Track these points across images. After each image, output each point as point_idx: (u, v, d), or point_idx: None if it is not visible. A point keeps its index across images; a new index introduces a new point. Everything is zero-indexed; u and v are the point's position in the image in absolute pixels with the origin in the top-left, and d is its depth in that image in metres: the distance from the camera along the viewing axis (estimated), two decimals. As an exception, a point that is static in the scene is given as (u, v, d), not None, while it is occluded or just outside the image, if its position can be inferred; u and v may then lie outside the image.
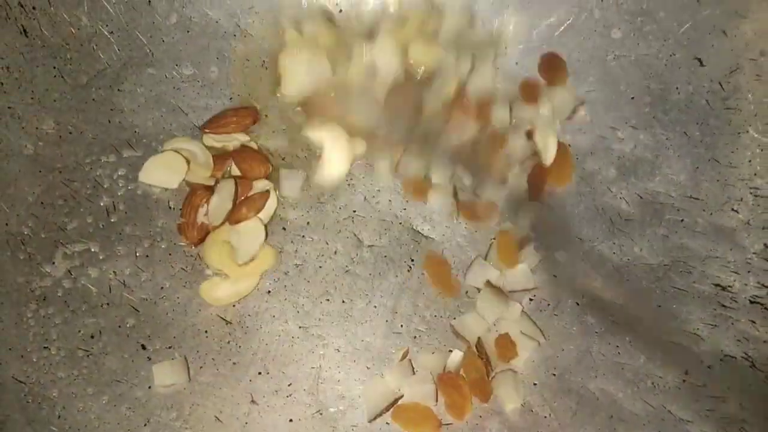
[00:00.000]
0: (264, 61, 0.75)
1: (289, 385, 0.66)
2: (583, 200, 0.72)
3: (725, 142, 0.69)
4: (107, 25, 0.71)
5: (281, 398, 0.65)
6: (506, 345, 0.66)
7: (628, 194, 0.71)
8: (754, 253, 0.67)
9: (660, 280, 0.68)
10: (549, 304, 0.69)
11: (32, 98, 0.69)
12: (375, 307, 0.68)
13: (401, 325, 0.68)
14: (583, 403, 0.65)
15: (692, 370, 0.65)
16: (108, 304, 0.66)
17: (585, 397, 0.65)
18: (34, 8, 0.69)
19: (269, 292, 0.69)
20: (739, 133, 0.69)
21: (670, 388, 0.65)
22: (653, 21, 0.71)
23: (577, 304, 0.69)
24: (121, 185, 0.70)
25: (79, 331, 0.65)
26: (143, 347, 0.65)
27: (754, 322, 0.65)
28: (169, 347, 0.65)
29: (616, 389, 0.66)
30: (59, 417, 0.61)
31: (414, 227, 0.71)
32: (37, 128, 0.69)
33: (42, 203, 0.68)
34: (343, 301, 0.69)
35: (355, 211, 0.71)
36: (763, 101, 0.68)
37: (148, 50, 0.73)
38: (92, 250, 0.68)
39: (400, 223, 0.71)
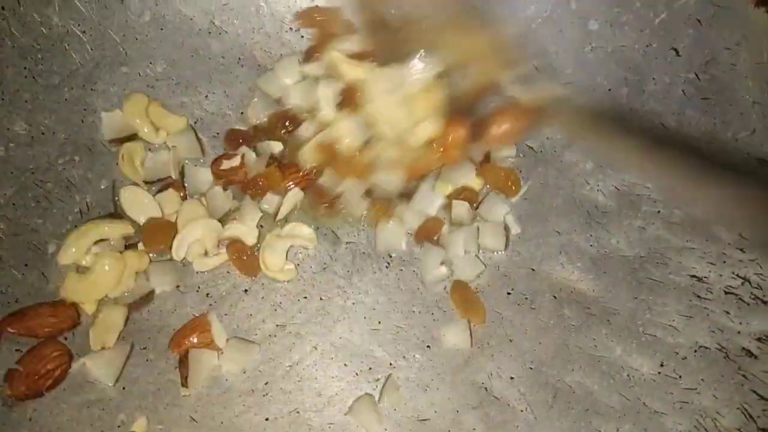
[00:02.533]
0: (239, 59, 0.75)
1: (265, 384, 0.65)
2: (561, 193, 0.71)
3: (701, 132, 0.69)
4: (79, 25, 0.71)
5: (257, 397, 0.65)
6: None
7: (605, 186, 0.71)
8: (729, 244, 0.66)
9: (636, 272, 0.68)
10: (527, 298, 0.69)
11: (2, 99, 0.69)
12: (353, 304, 0.68)
13: (379, 322, 0.68)
14: (560, 396, 0.65)
15: (667, 361, 0.65)
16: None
17: (561, 390, 0.65)
18: (2, 8, 0.68)
19: (246, 290, 0.68)
20: (714, 123, 0.69)
21: (646, 380, 0.64)
22: (629, 11, 0.70)
23: (555, 297, 0.68)
24: (94, 185, 0.69)
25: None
26: (118, 348, 0.65)
27: (728, 313, 0.64)
28: (144, 348, 0.65)
29: (592, 382, 0.65)
30: (30, 419, 0.61)
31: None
32: (8, 129, 0.69)
33: (14, 204, 0.67)
34: (321, 299, 0.68)
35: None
36: (738, 91, 0.68)
37: (121, 49, 0.72)
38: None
39: (378, 219, 0.71)
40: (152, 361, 0.65)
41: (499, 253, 0.70)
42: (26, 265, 0.66)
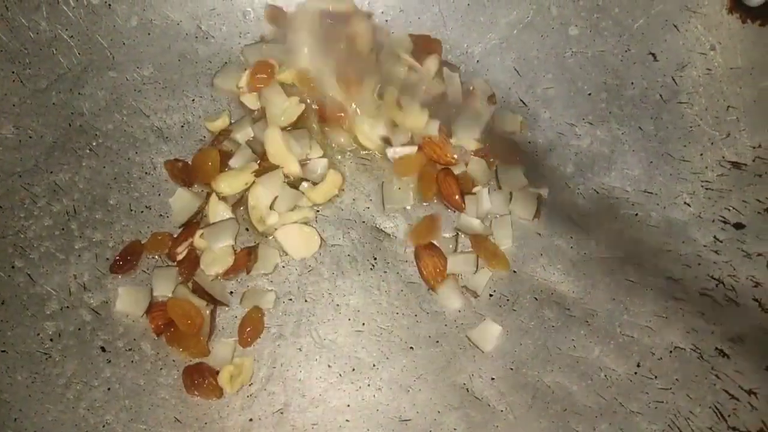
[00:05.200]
0: (226, 63, 0.75)
1: (249, 385, 0.66)
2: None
3: (678, 136, 0.70)
4: (67, 29, 0.71)
5: (241, 398, 0.65)
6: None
7: (585, 189, 0.72)
8: (704, 246, 0.67)
9: (615, 274, 0.69)
10: (508, 300, 0.69)
11: (-9, 103, 0.70)
12: (337, 305, 0.69)
13: (363, 324, 0.69)
14: (539, 396, 0.66)
15: (643, 362, 0.65)
16: (68, 307, 0.66)
17: (540, 390, 0.66)
18: (-10, 13, 0.69)
19: (231, 292, 0.69)
20: (691, 127, 0.70)
21: (622, 381, 0.65)
22: (608, 17, 0.71)
23: (536, 299, 0.69)
24: (81, 189, 0.70)
25: (38, 334, 0.65)
26: (102, 349, 0.66)
27: (703, 314, 0.65)
28: (129, 349, 0.66)
29: (571, 382, 0.66)
30: (15, 420, 0.62)
31: (376, 226, 0.71)
32: (-4, 133, 0.70)
33: (1, 207, 0.68)
34: (306, 300, 0.69)
35: (318, 211, 0.72)
36: (714, 95, 0.69)
37: (108, 53, 0.73)
38: (52, 253, 0.68)
39: (363, 222, 0.71)
40: (137, 362, 0.65)
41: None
42: (12, 266, 0.67)
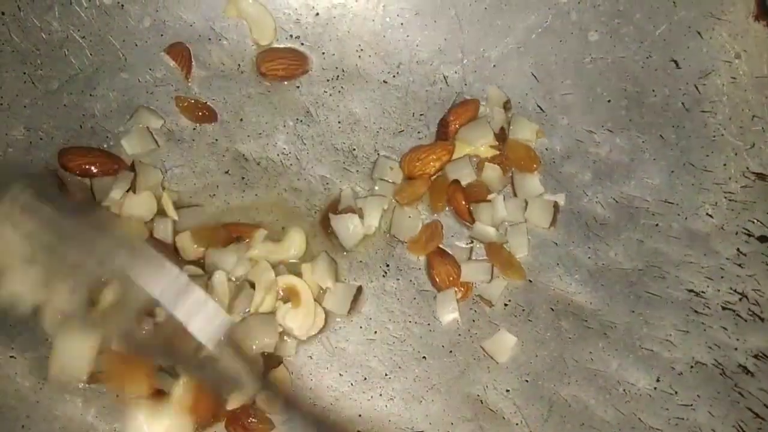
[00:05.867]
0: (239, 65, 0.74)
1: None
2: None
3: (700, 145, 0.68)
4: (79, 30, 0.71)
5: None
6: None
7: (603, 198, 0.70)
8: (727, 259, 0.66)
9: (634, 285, 0.68)
10: (524, 310, 0.68)
11: (1, 104, 0.69)
12: (349, 313, 0.68)
13: (375, 332, 0.68)
14: (555, 410, 0.65)
15: (664, 376, 0.64)
16: (77, 311, 0.66)
17: (557, 403, 0.65)
18: (2, 13, 0.68)
19: (242, 298, 0.68)
20: (714, 136, 0.68)
21: (642, 396, 0.64)
22: (629, 23, 0.70)
23: (552, 309, 0.68)
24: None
25: (47, 339, 0.64)
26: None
27: (725, 329, 0.64)
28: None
29: (588, 396, 0.65)
30: (23, 427, 0.61)
31: (389, 233, 0.70)
32: (6, 134, 0.69)
33: (11, 209, 0.68)
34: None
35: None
36: (738, 104, 0.67)
37: (120, 54, 0.72)
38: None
39: (375, 228, 0.70)
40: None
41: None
42: (22, 270, 0.66)
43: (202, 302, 0.57)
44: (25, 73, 0.70)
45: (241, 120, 0.73)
